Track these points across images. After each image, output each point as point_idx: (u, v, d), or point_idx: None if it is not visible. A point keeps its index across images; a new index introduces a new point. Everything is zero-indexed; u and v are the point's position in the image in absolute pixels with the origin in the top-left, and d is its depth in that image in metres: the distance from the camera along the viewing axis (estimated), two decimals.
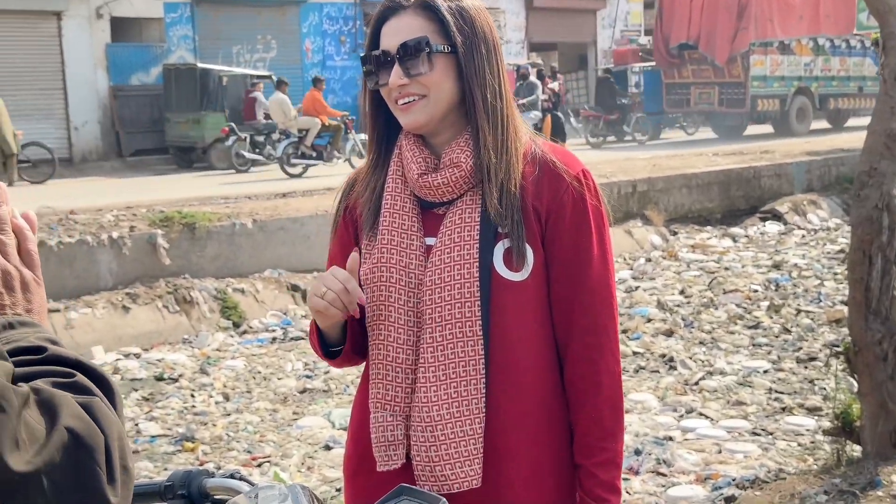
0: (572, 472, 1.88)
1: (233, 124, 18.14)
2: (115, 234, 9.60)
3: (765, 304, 9.20)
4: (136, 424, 6.61)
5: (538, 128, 16.00)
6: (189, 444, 6.12)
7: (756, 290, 9.83)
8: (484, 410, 1.81)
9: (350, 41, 24.88)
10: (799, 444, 5.68)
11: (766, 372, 7.15)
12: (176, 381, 7.74)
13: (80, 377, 1.00)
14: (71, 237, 9.41)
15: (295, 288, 10.08)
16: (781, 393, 6.66)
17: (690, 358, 7.58)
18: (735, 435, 5.87)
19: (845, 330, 6.26)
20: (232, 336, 9.14)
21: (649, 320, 8.82)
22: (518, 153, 1.86)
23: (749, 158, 16.22)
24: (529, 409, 1.85)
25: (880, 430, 4.64)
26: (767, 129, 24.22)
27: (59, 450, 0.92)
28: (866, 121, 4.91)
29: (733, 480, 5.04)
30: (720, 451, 5.60)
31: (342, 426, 6.22)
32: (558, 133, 17.45)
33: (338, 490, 5.09)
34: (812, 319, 8.56)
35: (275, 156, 18.14)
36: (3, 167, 16.55)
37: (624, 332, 8.24)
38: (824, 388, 6.62)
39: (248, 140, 18.12)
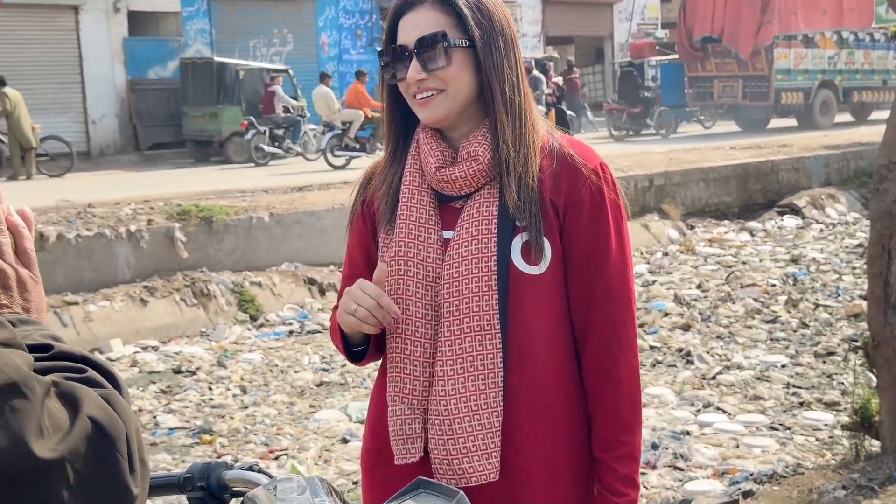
0: (590, 465, 1.87)
1: (252, 118, 18.22)
2: (132, 228, 9.64)
3: (783, 298, 9.17)
4: (155, 417, 6.64)
5: None
6: (207, 437, 6.14)
7: (774, 285, 9.79)
8: (502, 404, 1.80)
9: (366, 35, 24.89)
10: (817, 439, 5.66)
11: (783, 366, 7.13)
12: (193, 373, 7.78)
13: (92, 372, 1.01)
14: (89, 230, 9.46)
15: (312, 281, 10.11)
16: (799, 388, 6.63)
17: (708, 352, 7.56)
18: (752, 429, 5.85)
19: (864, 324, 6.24)
20: (249, 329, 9.17)
21: (666, 314, 8.80)
22: (536, 146, 1.86)
23: (767, 152, 16.14)
24: (547, 403, 1.84)
25: None
26: (791, 122, 24.16)
27: (82, 439, 0.92)
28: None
29: (751, 475, 5.03)
30: (737, 446, 5.58)
31: (359, 419, 6.24)
32: (562, 127, 17.46)
33: (354, 483, 5.10)
34: (830, 314, 8.53)
35: (294, 149, 18.24)
36: (22, 161, 16.65)
37: (641, 326, 8.22)
38: (842, 383, 6.59)
39: (267, 133, 18.19)
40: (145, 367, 8.03)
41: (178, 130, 20.61)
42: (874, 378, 4.95)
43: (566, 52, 30.08)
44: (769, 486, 4.82)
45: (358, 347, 1.93)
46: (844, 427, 5.19)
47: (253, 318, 9.43)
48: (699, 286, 10.00)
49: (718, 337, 8.04)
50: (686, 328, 8.33)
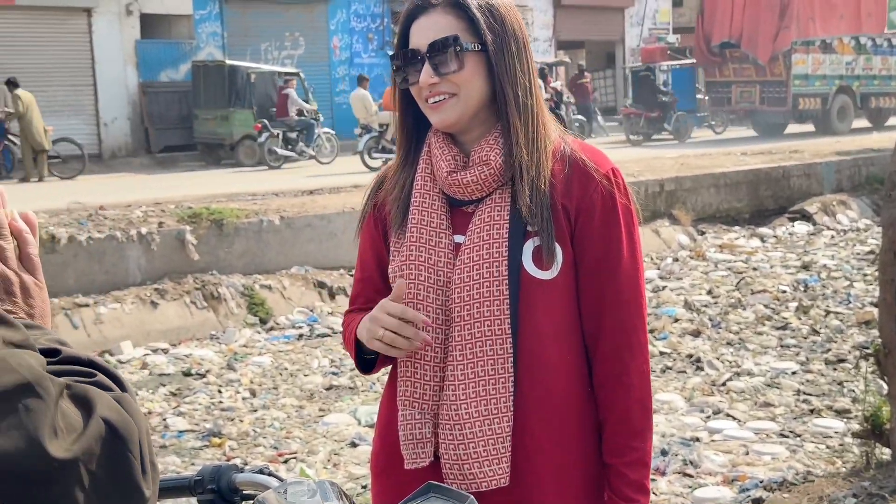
0: (600, 470, 1.87)
1: (265, 121, 18.27)
2: (143, 230, 9.67)
3: (793, 304, 9.14)
4: (164, 419, 6.65)
5: None
6: (216, 440, 6.15)
7: (784, 291, 9.76)
8: (512, 409, 1.80)
9: (377, 39, 24.92)
10: (827, 447, 5.63)
11: (794, 373, 7.10)
12: (203, 376, 7.79)
13: (101, 376, 1.01)
14: (100, 233, 9.49)
15: (322, 285, 10.11)
16: (810, 395, 6.61)
17: (718, 358, 7.53)
18: (763, 436, 5.83)
19: (875, 331, 6.21)
20: (259, 332, 9.18)
21: (676, 320, 8.78)
22: (548, 151, 1.86)
23: (778, 158, 16.11)
24: (558, 408, 1.84)
25: None
26: (809, 127, 24.15)
27: (96, 440, 0.92)
28: None
29: (761, 482, 5.01)
30: (747, 453, 5.56)
31: (368, 423, 6.24)
32: None
33: (363, 487, 5.10)
34: (841, 321, 8.50)
35: (307, 152, 18.30)
36: (34, 163, 16.71)
37: (651, 331, 8.20)
38: (853, 391, 6.57)
39: (280, 136, 18.24)
40: (155, 370, 8.04)
41: (190, 133, 20.68)
42: (885, 385, 4.92)
43: (577, 57, 30.07)
44: (779, 494, 4.81)
45: (370, 356, 1.93)
46: (855, 435, 5.16)
47: (263, 322, 9.44)
48: (709, 292, 9.98)
49: (728, 343, 8.02)
50: (696, 334, 8.31)
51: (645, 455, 1.85)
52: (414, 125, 1.95)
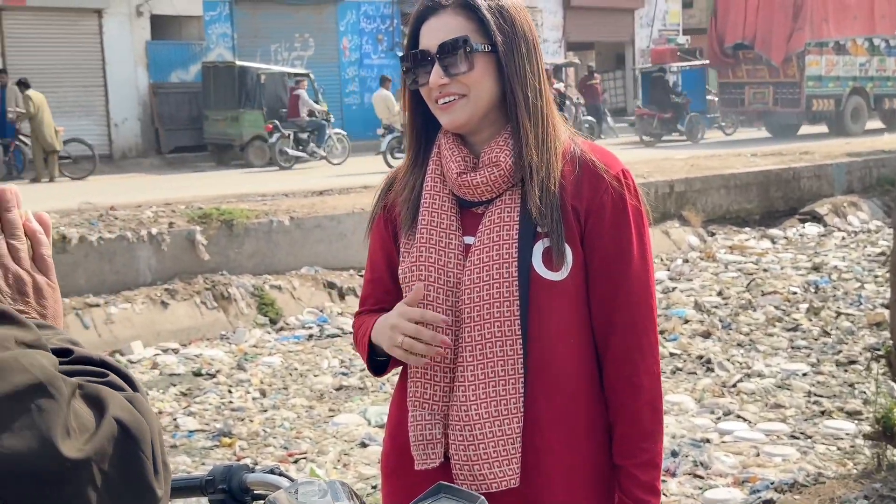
0: (611, 472, 1.87)
1: (276, 122, 18.31)
2: (154, 231, 9.69)
3: (804, 306, 9.12)
4: (175, 419, 6.66)
5: None
6: (226, 440, 6.16)
7: (795, 292, 9.74)
8: (522, 410, 1.80)
9: (387, 40, 24.94)
10: (838, 449, 5.62)
11: (804, 375, 7.08)
12: (213, 376, 7.80)
13: (113, 376, 1.01)
14: (111, 233, 9.51)
15: (331, 285, 10.12)
16: (821, 396, 6.59)
17: (728, 360, 7.52)
18: (773, 438, 5.82)
19: (886, 333, 6.20)
20: (269, 333, 9.19)
21: (686, 321, 8.77)
22: (558, 152, 1.86)
23: (788, 159, 16.07)
24: (568, 409, 1.84)
25: None
26: (822, 129, 24.13)
27: (108, 440, 0.93)
28: None
29: (771, 484, 5.00)
30: (758, 454, 5.55)
31: (378, 423, 6.24)
32: None
33: (373, 487, 5.11)
34: (852, 322, 8.47)
35: (319, 153, 18.33)
36: (45, 163, 16.77)
37: (661, 333, 8.19)
38: (864, 392, 6.55)
39: (291, 137, 18.28)
40: (166, 370, 8.06)
41: (200, 134, 20.72)
42: None
43: (587, 58, 30.02)
44: (790, 496, 4.80)
45: (382, 358, 1.93)
46: (866, 436, 5.15)
47: (273, 322, 9.46)
48: (720, 293, 9.96)
49: (739, 344, 8.00)
50: (706, 335, 8.30)
51: (655, 456, 1.85)
52: (423, 126, 1.95)
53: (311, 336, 9.01)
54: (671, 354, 7.70)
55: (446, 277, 1.84)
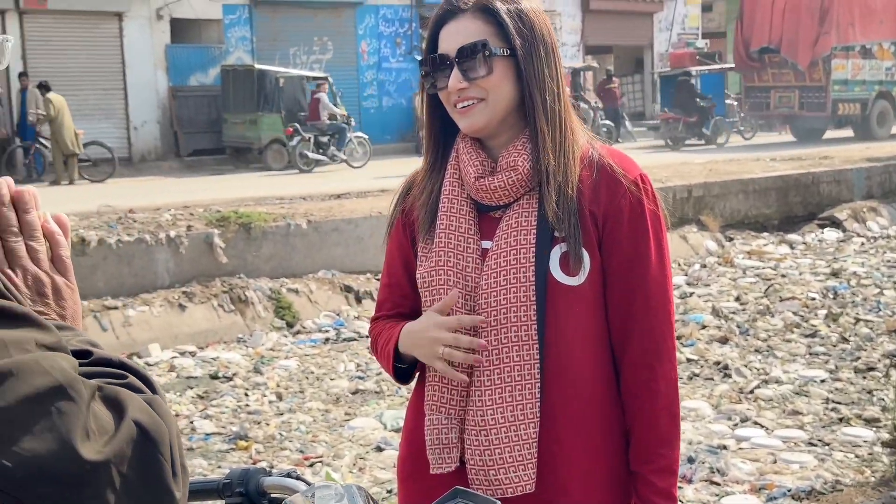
0: (627, 477, 1.86)
1: (297, 125, 18.36)
2: (172, 234, 9.73)
3: (822, 312, 9.07)
4: (191, 422, 6.68)
5: None
6: (243, 443, 6.17)
7: (813, 298, 9.69)
8: (539, 415, 1.80)
9: (405, 43, 24.97)
10: (856, 456, 5.58)
11: (823, 381, 7.05)
12: (230, 379, 7.82)
13: (132, 378, 1.01)
14: (130, 236, 9.56)
15: (348, 289, 10.14)
16: (839, 403, 6.55)
17: (745, 366, 7.49)
18: (791, 445, 5.79)
19: None
20: (285, 336, 9.21)
21: (704, 327, 8.74)
22: (576, 156, 1.85)
23: (808, 164, 15.99)
24: (585, 414, 1.84)
25: None
26: (847, 133, 24.07)
27: (127, 442, 0.93)
28: None
29: (788, 491, 4.97)
30: (775, 461, 5.52)
31: (394, 427, 6.24)
32: None
33: (388, 492, 5.11)
34: (871, 328, 8.42)
35: (339, 156, 18.38)
36: (65, 166, 16.86)
37: (678, 338, 8.16)
38: (883, 399, 6.50)
39: (311, 140, 18.33)
40: (183, 373, 8.09)
41: (219, 137, 20.80)
42: None
43: (605, 62, 30.01)
44: (807, 503, 4.77)
45: (405, 365, 1.93)
46: (884, 444, 5.12)
47: (289, 325, 9.48)
48: (737, 299, 9.91)
49: (757, 350, 7.96)
50: (724, 341, 8.26)
51: (673, 463, 1.84)
52: (441, 130, 1.95)
53: (327, 340, 9.02)
54: (688, 360, 7.68)
55: (464, 282, 1.85)
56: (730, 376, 7.24)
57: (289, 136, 18.40)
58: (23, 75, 18.41)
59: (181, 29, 21.64)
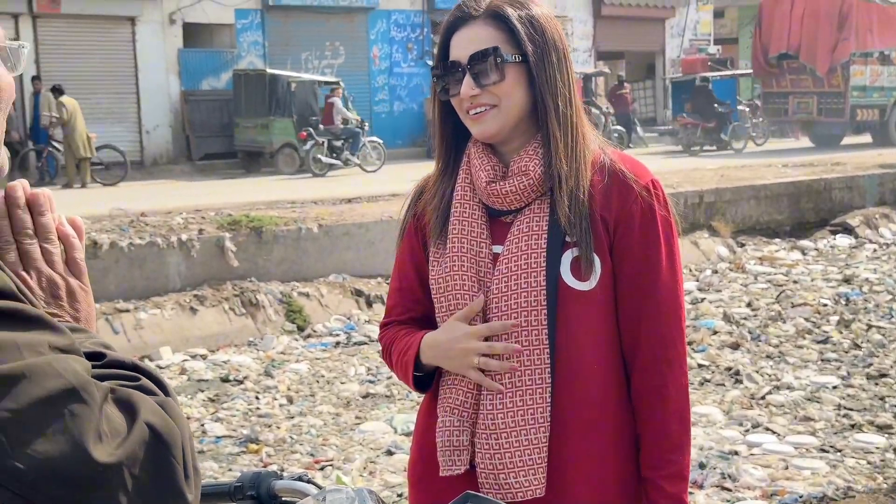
0: (637, 483, 1.86)
1: (310, 129, 18.39)
2: (184, 237, 9.75)
3: (834, 318, 9.03)
4: (202, 425, 6.69)
5: None
6: (253, 446, 6.18)
7: (825, 305, 9.65)
8: (549, 420, 1.80)
9: (417, 48, 24.99)
10: (868, 462, 5.56)
11: (835, 388, 7.02)
12: (241, 382, 7.83)
13: (145, 380, 1.02)
14: (142, 239, 9.58)
15: (359, 293, 10.14)
16: (851, 409, 6.53)
17: (757, 371, 7.46)
18: (802, 451, 5.77)
19: None
20: (296, 339, 9.22)
21: (715, 332, 8.71)
22: (587, 161, 1.85)
23: (820, 170, 15.94)
24: (595, 420, 1.84)
25: None
26: (866, 139, 24.03)
27: (140, 444, 0.93)
28: None
29: (800, 497, 4.96)
30: (787, 467, 5.50)
31: (404, 431, 6.24)
32: None
33: (399, 495, 5.11)
34: (883, 335, 8.38)
35: (353, 161, 18.40)
36: (77, 169, 16.92)
37: (689, 344, 8.11)
38: (895, 406, 6.48)
39: (325, 145, 18.36)
40: (194, 376, 8.10)
41: (230, 141, 20.84)
42: None
43: (617, 67, 29.96)
44: None
45: (420, 373, 1.92)
46: None
47: (300, 329, 9.49)
48: (749, 304, 9.89)
49: (768, 356, 7.94)
50: (735, 347, 8.24)
51: (683, 468, 1.84)
52: (453, 135, 1.95)
53: (338, 343, 9.02)
54: (699, 365, 7.66)
55: (476, 286, 1.85)
56: (741, 382, 7.22)
57: (302, 141, 18.44)
58: (36, 79, 18.50)
59: (194, 33, 21.71)
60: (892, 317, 9.05)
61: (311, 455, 6.01)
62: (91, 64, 19.96)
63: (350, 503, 1.20)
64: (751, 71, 25.68)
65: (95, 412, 0.91)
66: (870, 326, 8.70)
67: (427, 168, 2.05)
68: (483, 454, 1.82)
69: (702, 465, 5.40)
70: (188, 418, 6.76)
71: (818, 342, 8.32)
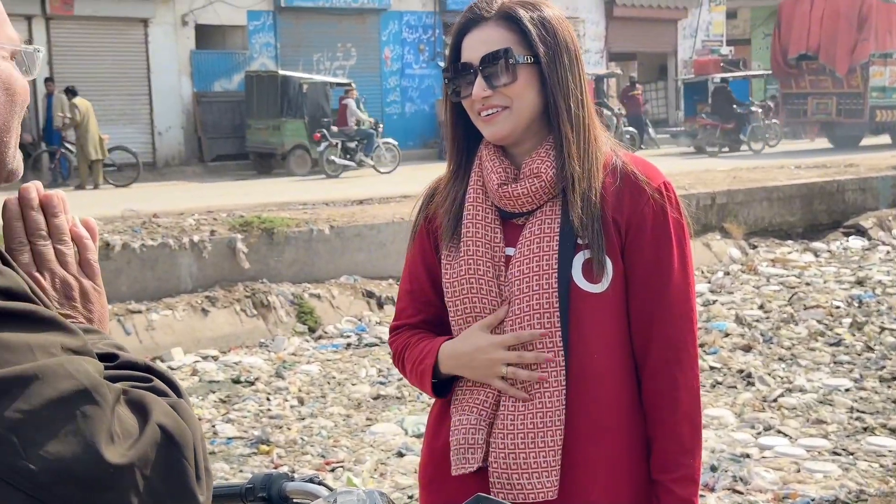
0: (648, 486, 1.86)
1: (324, 130, 18.41)
2: (196, 238, 9.77)
3: (847, 320, 9.00)
4: (213, 426, 6.71)
5: None
6: (264, 447, 6.19)
7: (838, 307, 9.62)
8: (563, 422, 1.80)
9: (429, 50, 25.01)
10: (881, 466, 5.54)
11: (847, 390, 6.99)
12: (252, 384, 7.84)
13: (157, 381, 1.02)
14: (154, 240, 9.61)
15: (370, 294, 10.15)
16: (863, 412, 6.50)
17: (769, 374, 7.44)
18: (814, 454, 5.75)
19: None
20: (307, 341, 9.23)
21: (727, 335, 8.69)
22: (599, 163, 1.85)
23: (833, 172, 15.89)
24: (607, 422, 1.83)
25: None
26: (885, 140, 23.96)
27: (151, 445, 0.93)
28: None
29: (812, 500, 4.94)
30: (799, 470, 5.48)
31: (415, 433, 6.24)
32: None
33: (409, 497, 5.10)
34: None
35: (367, 162, 18.42)
36: (90, 171, 16.98)
37: (701, 346, 8.10)
38: None
39: (339, 146, 18.38)
40: (205, 377, 8.12)
41: (242, 142, 20.89)
42: None
43: (629, 68, 29.93)
44: None
45: (436, 380, 1.91)
46: None
47: (311, 330, 9.50)
48: (761, 307, 9.86)
49: (780, 359, 7.91)
50: (747, 349, 8.21)
51: (694, 471, 1.83)
52: (465, 137, 1.95)
53: (349, 345, 9.03)
54: (711, 368, 7.64)
55: (488, 288, 1.85)
56: (753, 384, 7.20)
57: (316, 142, 18.47)
58: (49, 81, 18.57)
59: (206, 35, 21.76)
60: None
61: (322, 456, 6.02)
62: (104, 65, 20.03)
63: None
64: (767, 72, 25.63)
65: (107, 413, 0.92)
66: (883, 329, 8.67)
67: (439, 170, 2.05)
68: (497, 454, 1.82)
69: (713, 468, 5.39)
70: (199, 419, 6.77)
71: (831, 344, 8.29)
